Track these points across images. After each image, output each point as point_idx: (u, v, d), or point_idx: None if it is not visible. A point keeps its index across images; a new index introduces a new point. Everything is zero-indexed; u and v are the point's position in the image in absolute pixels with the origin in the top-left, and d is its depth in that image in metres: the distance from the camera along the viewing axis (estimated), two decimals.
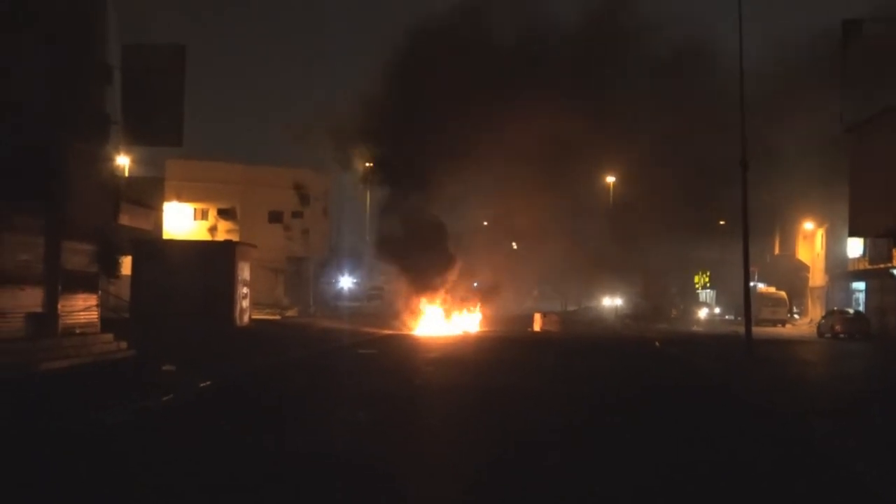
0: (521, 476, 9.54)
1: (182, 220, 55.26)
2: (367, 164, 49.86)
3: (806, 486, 9.35)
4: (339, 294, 65.82)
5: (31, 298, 19.46)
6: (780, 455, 11.02)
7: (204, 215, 58.87)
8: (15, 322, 18.83)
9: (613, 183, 61.12)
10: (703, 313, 67.22)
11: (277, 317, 46.82)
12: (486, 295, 48.46)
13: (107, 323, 23.41)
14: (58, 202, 19.03)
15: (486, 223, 55.18)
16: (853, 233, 32.56)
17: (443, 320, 43.44)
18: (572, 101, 43.31)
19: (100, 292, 23.14)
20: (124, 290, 31.94)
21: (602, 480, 9.33)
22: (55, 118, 18.96)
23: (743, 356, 26.51)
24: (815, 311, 57.49)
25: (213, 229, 57.80)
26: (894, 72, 23.71)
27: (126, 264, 31.58)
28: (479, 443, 11.41)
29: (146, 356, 20.83)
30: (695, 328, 53.53)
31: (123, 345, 22.05)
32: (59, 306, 20.43)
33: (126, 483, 8.95)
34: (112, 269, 26.36)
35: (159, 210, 43.88)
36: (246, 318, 34.85)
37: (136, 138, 22.31)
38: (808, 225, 62.68)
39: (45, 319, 19.82)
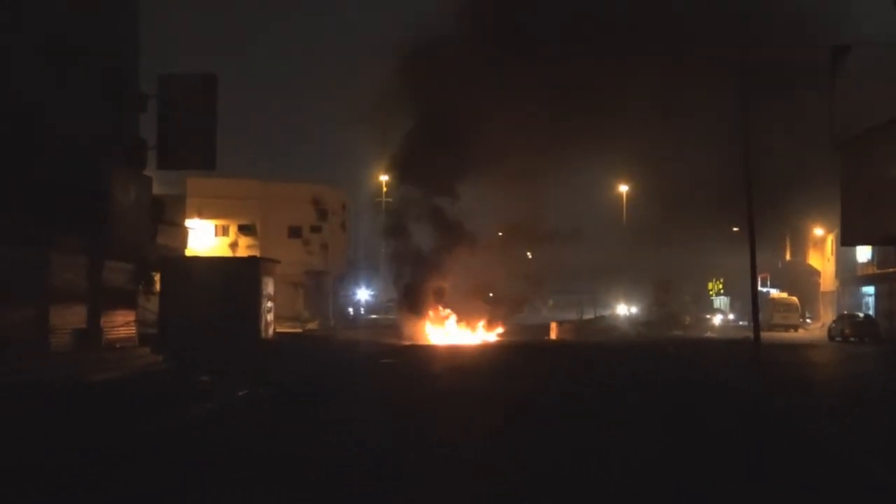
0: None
1: (203, 237, 56.14)
2: (384, 178, 51.00)
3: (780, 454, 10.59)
4: (356, 306, 67.03)
5: (76, 315, 20.71)
6: (773, 438, 12.14)
7: (225, 231, 59.73)
8: (63, 337, 20.09)
9: (627, 192, 62.25)
10: (717, 320, 67.98)
11: (299, 329, 47.79)
12: (503, 305, 49.37)
13: (142, 338, 24.66)
14: (100, 224, 20.28)
15: (500, 234, 56.18)
16: (844, 242, 33.92)
17: (461, 330, 44.43)
18: (590, 100, 44.05)
19: (138, 308, 24.41)
20: (152, 306, 33.03)
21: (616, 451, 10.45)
22: (97, 145, 20.27)
23: (750, 359, 27.55)
24: (827, 316, 58.19)
25: (233, 245, 58.66)
26: (882, 93, 24.95)
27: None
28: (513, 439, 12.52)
29: (182, 368, 22.01)
30: (708, 334, 54.28)
31: (159, 358, 23.25)
32: (102, 322, 21.71)
33: (218, 472, 10.12)
34: (149, 285, 27.62)
35: (184, 227, 44.94)
36: (270, 332, 35.81)
37: (172, 162, 23.51)
38: (818, 231, 63.58)
39: (90, 335, 21.08)
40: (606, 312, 71.72)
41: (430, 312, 44.37)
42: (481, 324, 46.12)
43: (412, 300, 44.94)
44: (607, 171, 59.05)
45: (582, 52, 42.84)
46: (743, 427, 13.47)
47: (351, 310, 68.54)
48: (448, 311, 45.07)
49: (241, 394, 17.48)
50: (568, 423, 14.09)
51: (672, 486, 9.44)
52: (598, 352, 33.52)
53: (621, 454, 11.10)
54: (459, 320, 45.29)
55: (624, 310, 70.34)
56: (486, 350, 35.50)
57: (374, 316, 70.62)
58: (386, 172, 50.45)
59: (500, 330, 46.93)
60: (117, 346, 22.49)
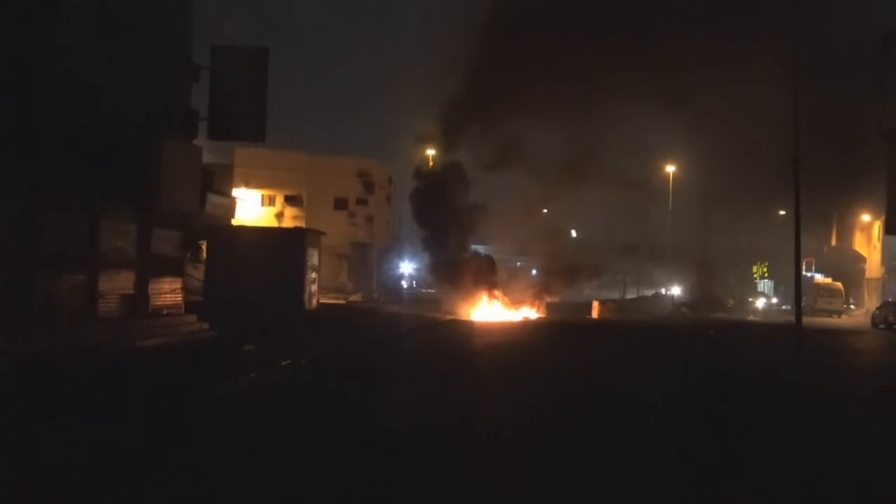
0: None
1: (250, 207, 56.62)
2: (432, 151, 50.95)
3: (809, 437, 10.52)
4: (399, 279, 67.31)
5: (125, 281, 21.03)
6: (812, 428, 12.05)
7: (271, 202, 60.18)
8: (112, 303, 20.42)
9: (673, 173, 61.73)
10: (760, 303, 67.39)
11: (342, 301, 48.14)
12: (546, 282, 49.35)
13: (188, 305, 24.98)
14: (151, 193, 20.57)
15: (545, 210, 55.86)
16: (890, 230, 33.52)
17: (503, 307, 44.49)
18: (644, 73, 43.89)
19: (185, 276, 24.74)
20: (199, 275, 33.38)
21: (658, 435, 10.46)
22: (149, 116, 20.52)
23: (792, 344, 27.33)
24: (872, 303, 57.41)
25: (279, 215, 59.11)
26: None
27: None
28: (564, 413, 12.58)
29: (226, 337, 22.29)
30: (751, 317, 53.89)
31: (206, 326, 23.54)
32: (149, 289, 22.04)
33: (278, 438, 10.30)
34: (196, 254, 27.96)
35: (231, 197, 45.35)
36: (314, 303, 36.08)
37: (222, 133, 23.75)
38: (865, 217, 62.67)
39: (137, 301, 21.41)
40: (649, 293, 71.36)
41: (472, 288, 44.38)
42: (523, 301, 46.17)
43: (452, 274, 44.99)
44: (655, 151, 58.73)
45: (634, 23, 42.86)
46: (786, 419, 13.25)
47: (404, 283, 68.88)
48: (490, 286, 45.11)
49: (283, 364, 17.67)
50: (601, 409, 14.01)
51: (703, 480, 9.36)
52: (638, 332, 33.35)
53: (657, 447, 10.94)
54: (501, 296, 45.35)
55: (667, 290, 69.92)
56: (527, 327, 35.52)
57: (430, 290, 71.08)
58: (434, 142, 50.24)
59: (540, 307, 46.93)
60: (164, 312, 22.81)
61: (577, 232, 63.42)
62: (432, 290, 60.21)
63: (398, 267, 69.69)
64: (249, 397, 14.00)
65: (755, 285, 75.36)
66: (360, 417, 11.96)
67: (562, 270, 49.83)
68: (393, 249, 67.53)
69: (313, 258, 35.71)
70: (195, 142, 23.80)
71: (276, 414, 12.28)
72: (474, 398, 14.27)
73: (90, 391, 13.44)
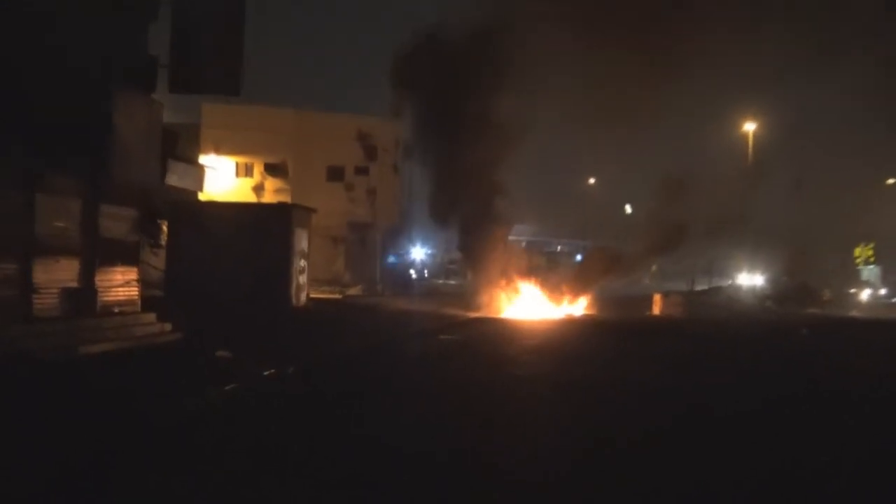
0: None
1: (222, 178, 56.45)
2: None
3: None
4: (408, 268, 67.15)
5: (66, 272, 20.88)
6: None
7: (248, 171, 60.15)
8: (49, 299, 20.28)
9: (754, 132, 61.29)
10: (864, 295, 66.86)
11: (338, 295, 48.07)
12: (593, 270, 49.05)
13: (145, 301, 24.87)
14: (98, 160, 20.45)
15: (592, 180, 55.71)
16: None
17: (540, 301, 44.34)
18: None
19: (142, 265, 24.67)
20: (159, 263, 33.30)
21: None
22: (96, 62, 20.37)
23: None
24: None
25: (259, 188, 59.10)
26: None
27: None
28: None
29: (194, 340, 22.22)
30: (854, 313, 53.52)
31: (168, 327, 23.45)
32: (97, 281, 21.94)
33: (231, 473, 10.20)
34: (155, 237, 27.94)
35: (199, 165, 45.27)
36: (303, 297, 36.03)
37: (188, 85, 23.53)
38: None
39: (82, 296, 21.28)
40: (724, 282, 70.96)
41: (503, 278, 44.20)
42: (565, 293, 45.98)
43: (479, 262, 44.77)
44: (729, 107, 58.32)
45: None
46: None
47: (414, 273, 68.72)
48: (525, 276, 44.96)
49: (266, 374, 17.61)
50: (693, 445, 13.84)
51: None
52: (712, 333, 33.17)
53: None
54: (538, 288, 45.21)
55: (747, 280, 69.51)
56: (572, 328, 35.36)
57: (445, 281, 70.92)
58: None
59: (585, 298, 46.70)
60: (116, 310, 22.72)
61: (631, 207, 63.20)
62: (452, 282, 60.07)
63: (408, 252, 69.55)
64: (224, 416, 13.94)
65: (858, 273, 74.82)
66: (359, 443, 11.90)
67: (614, 255, 49.55)
68: (401, 231, 67.31)
69: (302, 242, 35.65)
70: (154, 96, 23.65)
71: (257, 436, 12.23)
72: (511, 426, 14.04)
73: (18, 410, 13.32)
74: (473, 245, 44.25)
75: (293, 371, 18.34)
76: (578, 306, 45.62)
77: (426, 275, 76.44)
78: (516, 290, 44.30)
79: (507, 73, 42.09)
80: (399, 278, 61.84)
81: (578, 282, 47.29)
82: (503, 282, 44.11)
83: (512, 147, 43.36)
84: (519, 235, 57.45)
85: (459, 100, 41.49)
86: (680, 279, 70.84)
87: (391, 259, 65.37)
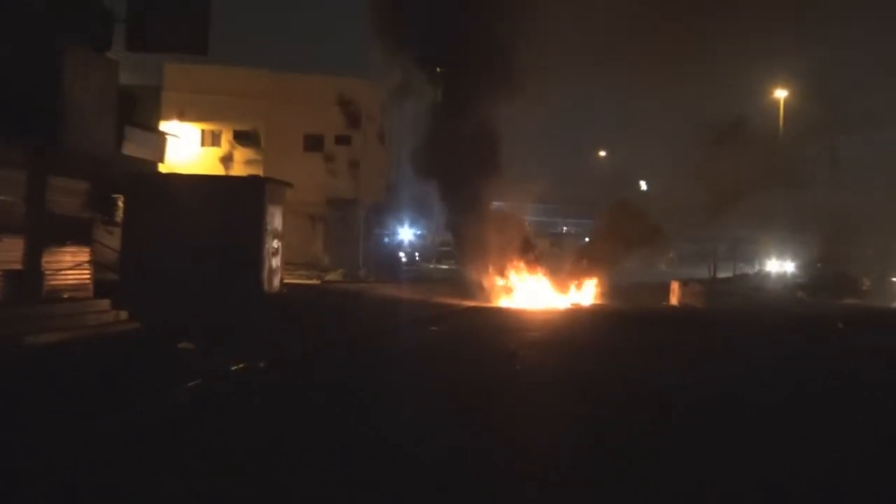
0: None
1: (186, 147, 56.17)
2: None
3: None
4: (396, 250, 67.11)
5: (8, 252, 20.86)
6: None
7: (215, 140, 59.80)
8: None
9: (785, 99, 61.18)
10: None
11: (316, 281, 48.03)
12: (603, 254, 48.93)
13: (98, 285, 24.78)
14: (46, 125, 20.36)
15: (603, 153, 55.50)
16: None
17: (544, 288, 44.29)
18: None
19: (95, 245, 24.59)
20: (114, 242, 33.13)
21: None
22: (43, 16, 20.27)
23: None
24: None
25: (226, 159, 58.79)
26: None
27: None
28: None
29: (154, 330, 22.21)
30: None
31: (123, 315, 23.42)
32: (44, 263, 21.89)
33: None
34: (110, 213, 27.81)
35: (160, 133, 45.10)
36: (276, 283, 35.96)
37: (147, 42, 23.44)
38: None
39: (27, 279, 21.25)
40: (751, 269, 71.00)
41: (501, 263, 44.08)
42: (571, 280, 45.96)
43: (474, 244, 44.61)
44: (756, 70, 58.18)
45: None
46: None
47: (403, 255, 68.72)
48: (526, 261, 44.87)
49: (234, 369, 17.57)
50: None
51: None
52: (736, 326, 33.16)
53: None
54: (542, 273, 45.14)
55: (776, 267, 69.57)
56: (579, 318, 35.36)
57: (436, 266, 70.88)
58: None
59: (594, 285, 46.62)
60: (65, 296, 22.69)
61: (647, 184, 63.10)
62: (444, 266, 59.97)
63: (396, 233, 69.52)
64: (187, 415, 13.89)
65: None
66: (336, 449, 11.89)
67: (626, 238, 49.37)
68: (388, 208, 67.18)
69: (275, 220, 35.55)
70: (109, 55, 23.55)
71: (225, 440, 12.18)
72: (510, 428, 14.02)
73: None
74: (468, 222, 43.94)
75: (265, 366, 18.29)
76: (587, 295, 45.61)
77: (417, 258, 76.46)
78: (517, 276, 44.21)
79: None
80: (386, 262, 61.72)
81: (586, 266, 47.20)
82: (502, 267, 44.00)
83: (517, 88, 43.01)
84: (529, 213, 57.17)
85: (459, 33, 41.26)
86: (700, 265, 70.81)
87: (385, 239, 65.43)
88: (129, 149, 28.78)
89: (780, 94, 61.15)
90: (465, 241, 45.30)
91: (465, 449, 12.11)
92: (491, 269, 43.57)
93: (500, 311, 37.30)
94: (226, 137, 59.57)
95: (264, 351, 19.70)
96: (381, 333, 26.74)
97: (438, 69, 43.07)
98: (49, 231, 21.88)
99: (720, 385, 18.77)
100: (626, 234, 45.80)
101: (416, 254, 76.35)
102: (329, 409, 14.56)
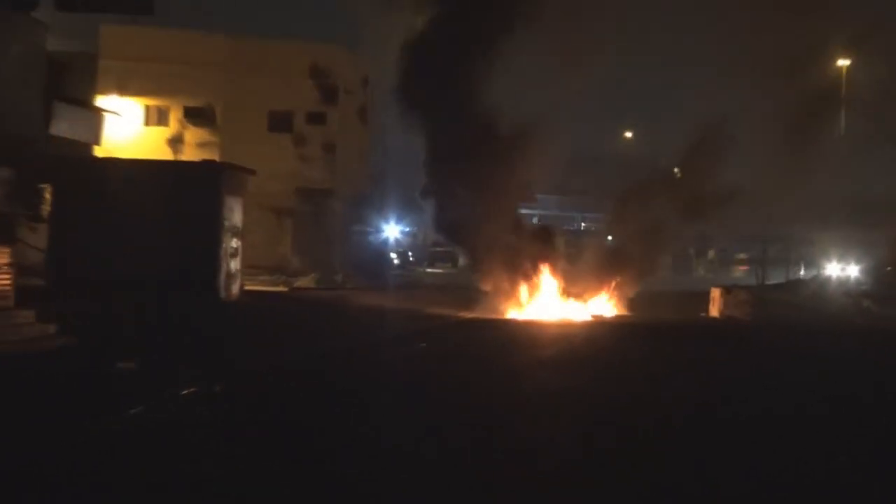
0: None
1: (127, 126, 56.10)
2: None
3: None
4: (382, 251, 67.01)
5: None
6: None
7: (162, 118, 59.86)
8: None
9: (847, 69, 61.17)
10: None
11: (283, 288, 47.99)
12: (629, 255, 48.86)
13: (21, 292, 24.71)
14: None
15: (628, 134, 55.32)
16: None
17: (558, 297, 44.23)
18: None
19: (17, 244, 24.54)
20: (40, 241, 32.98)
21: None
22: None
23: None
24: None
25: (176, 141, 58.82)
26: None
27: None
28: None
29: (87, 347, 22.12)
30: None
31: (51, 328, 23.36)
32: None
33: None
34: (34, 207, 27.77)
35: (95, 110, 45.07)
36: (235, 290, 35.91)
37: (83, 0, 23.45)
38: None
39: None
40: (806, 273, 71.03)
41: (509, 270, 44.01)
42: (591, 287, 45.89)
43: (474, 245, 44.55)
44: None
45: None
46: None
47: (395, 257, 68.71)
48: (537, 266, 44.80)
49: (184, 392, 17.53)
50: None
51: None
52: (787, 345, 32.97)
53: None
54: (556, 278, 45.09)
55: (837, 270, 69.59)
56: (599, 332, 35.33)
57: (428, 269, 70.89)
58: None
59: (620, 299, 46.54)
60: None
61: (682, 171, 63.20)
62: (438, 270, 59.95)
63: (380, 230, 69.43)
64: (125, 449, 13.81)
65: None
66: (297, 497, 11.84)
67: (657, 236, 49.31)
68: (371, 201, 66.99)
69: (234, 215, 35.52)
70: (35, 15, 23.53)
71: (171, 478, 12.12)
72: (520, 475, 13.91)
73: None
74: (467, 218, 43.77)
75: (220, 389, 18.24)
76: (610, 304, 45.58)
77: (412, 259, 76.56)
78: (527, 283, 44.17)
79: None
80: (368, 265, 61.53)
81: (609, 271, 47.14)
82: (510, 271, 43.94)
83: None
84: (530, 209, 57.16)
85: None
86: (746, 269, 70.87)
87: (367, 238, 65.34)
88: (59, 128, 28.67)
89: (843, 62, 61.15)
90: (462, 238, 45.20)
91: None
92: (496, 273, 43.54)
93: (504, 325, 37.23)
94: (175, 115, 59.65)
95: (219, 371, 19.66)
96: (359, 350, 26.60)
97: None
98: None
99: (763, 425, 18.64)
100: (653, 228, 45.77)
101: (410, 254, 76.43)
102: (288, 446, 14.41)
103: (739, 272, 76.04)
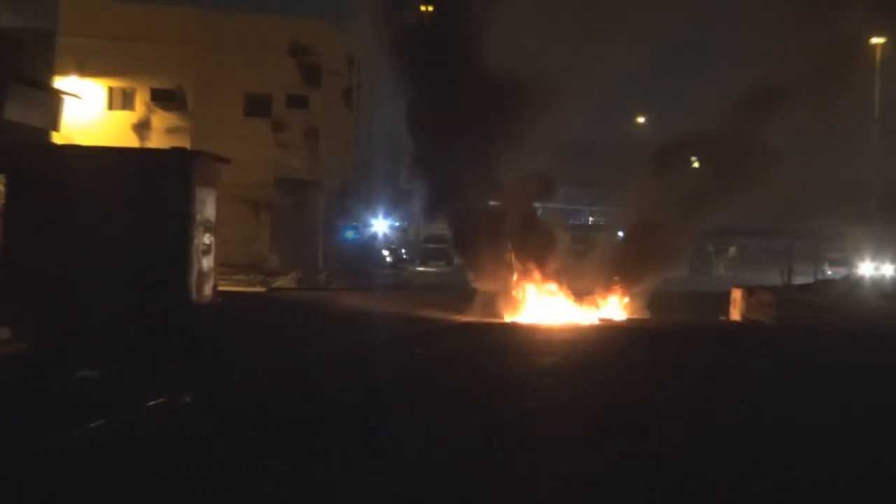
0: None
1: (88, 109, 56.01)
2: None
3: None
4: (369, 247, 67.01)
5: None
6: None
7: (126, 101, 59.72)
8: None
9: (882, 45, 61.16)
10: None
11: (260, 288, 47.97)
12: (641, 254, 48.80)
13: None
14: None
15: (641, 119, 55.29)
16: None
17: (564, 298, 44.20)
18: None
19: None
20: None
21: None
22: None
23: None
24: None
25: (142, 126, 58.75)
26: None
27: None
28: None
29: (46, 353, 22.12)
30: None
31: (6, 333, 23.34)
32: None
33: None
34: None
35: (53, 92, 45.05)
36: (208, 290, 35.81)
37: None
38: None
39: None
40: (836, 272, 71.04)
41: (511, 268, 43.98)
42: (599, 288, 45.85)
43: (473, 243, 44.48)
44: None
45: None
46: None
47: (387, 255, 68.69)
48: (540, 265, 44.76)
49: (152, 404, 17.50)
50: None
51: None
52: (816, 354, 32.85)
53: None
54: (559, 280, 45.05)
55: (871, 269, 69.62)
56: (609, 337, 35.35)
57: (419, 268, 70.92)
58: None
59: (627, 301, 46.46)
60: None
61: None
62: (430, 269, 59.87)
63: (368, 224, 69.42)
64: (86, 466, 13.80)
65: None
66: None
67: (671, 232, 49.24)
68: (357, 192, 66.97)
69: (207, 208, 35.44)
70: None
71: (135, 500, 12.09)
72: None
73: None
74: (467, 210, 43.70)
75: (191, 400, 18.21)
76: (620, 306, 45.57)
77: (406, 256, 76.59)
78: (529, 283, 44.16)
79: None
80: (355, 263, 61.49)
81: (619, 271, 47.08)
82: (512, 270, 43.93)
83: None
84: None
85: None
86: (770, 267, 70.82)
87: (353, 233, 65.37)
88: (13, 112, 28.59)
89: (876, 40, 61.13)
90: (461, 233, 45.10)
91: None
92: (495, 272, 43.52)
93: (505, 329, 37.28)
94: (141, 98, 59.57)
95: (188, 380, 19.65)
96: (346, 357, 26.58)
97: None
98: None
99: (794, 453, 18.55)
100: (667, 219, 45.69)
101: (404, 251, 76.45)
102: (265, 464, 14.37)
103: (831, 272, 75.58)
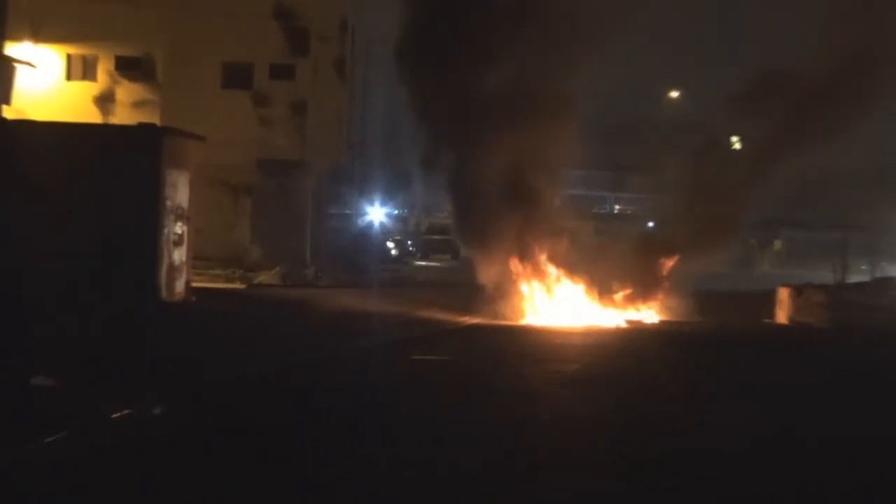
0: None
1: (44, 79, 56.07)
2: None
3: None
4: (365, 238, 67.02)
5: None
6: None
7: (88, 70, 59.69)
8: None
9: None
10: None
11: (239, 285, 48.01)
12: (674, 247, 48.72)
13: None
14: None
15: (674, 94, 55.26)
16: None
17: (586, 298, 44.17)
18: None
19: None
20: None
21: None
22: None
23: None
24: None
25: (105, 99, 58.72)
26: None
27: None
28: None
29: None
30: None
31: None
32: None
33: None
34: None
35: (6, 60, 45.08)
36: (180, 287, 35.84)
37: None
38: None
39: None
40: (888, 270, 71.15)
41: (525, 263, 43.94)
42: (626, 287, 45.81)
43: (483, 234, 44.44)
44: None
45: None
46: None
47: (392, 247, 68.83)
48: (560, 263, 44.73)
49: (115, 415, 17.54)
50: None
51: None
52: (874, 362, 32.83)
53: None
54: (578, 275, 45.01)
55: None
56: (637, 342, 35.33)
57: (421, 262, 70.94)
58: None
59: (659, 301, 46.37)
60: None
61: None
62: (433, 263, 59.83)
63: (363, 212, 69.41)
64: (41, 486, 13.82)
65: None
66: None
67: (708, 223, 49.13)
68: (350, 176, 66.90)
69: (179, 192, 35.46)
70: None
71: None
72: None
73: None
74: (477, 199, 43.63)
75: (158, 412, 18.25)
76: (649, 307, 45.53)
77: (412, 249, 76.75)
78: (545, 279, 44.14)
79: None
80: (348, 256, 61.40)
81: (650, 267, 47.02)
82: (524, 265, 43.89)
83: None
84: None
85: None
86: (820, 263, 70.84)
87: (345, 221, 65.37)
88: None
89: None
90: (469, 222, 44.98)
91: None
92: (506, 266, 43.51)
93: (518, 332, 37.21)
94: (104, 66, 59.51)
95: (157, 389, 19.68)
96: (332, 363, 26.55)
97: None
98: None
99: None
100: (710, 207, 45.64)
101: (410, 244, 76.61)
102: (239, 483, 14.42)
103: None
